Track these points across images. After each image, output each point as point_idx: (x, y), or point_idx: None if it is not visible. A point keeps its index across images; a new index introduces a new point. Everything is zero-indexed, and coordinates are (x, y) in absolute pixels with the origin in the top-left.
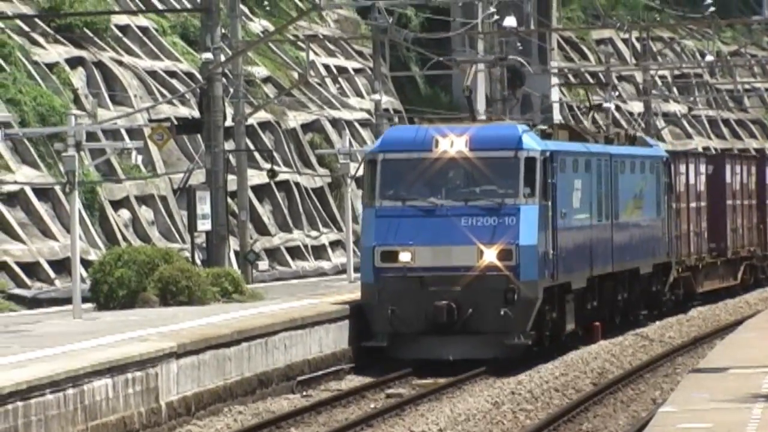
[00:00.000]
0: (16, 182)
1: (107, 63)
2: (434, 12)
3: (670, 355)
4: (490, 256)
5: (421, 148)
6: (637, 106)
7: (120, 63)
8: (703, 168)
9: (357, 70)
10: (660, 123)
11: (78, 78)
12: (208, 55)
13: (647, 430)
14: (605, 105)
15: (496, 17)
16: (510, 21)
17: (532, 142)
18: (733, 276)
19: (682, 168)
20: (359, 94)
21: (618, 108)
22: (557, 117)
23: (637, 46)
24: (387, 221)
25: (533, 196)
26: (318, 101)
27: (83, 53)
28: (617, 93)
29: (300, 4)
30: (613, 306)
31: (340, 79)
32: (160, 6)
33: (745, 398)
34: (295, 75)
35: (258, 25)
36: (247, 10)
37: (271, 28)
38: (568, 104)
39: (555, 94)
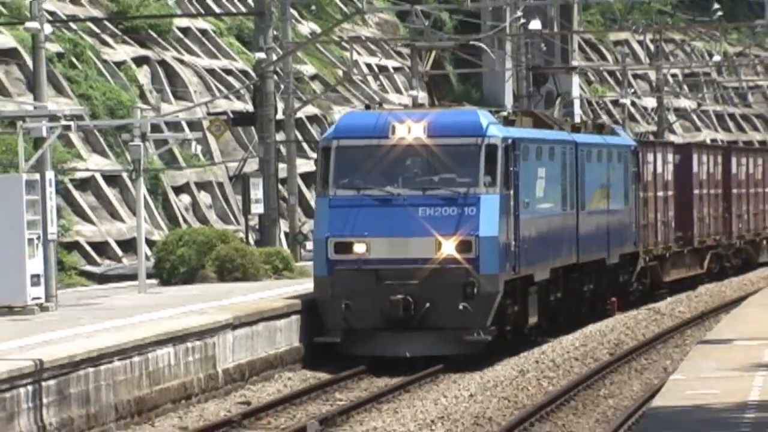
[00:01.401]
0: (87, 169)
1: (170, 62)
2: (466, 15)
3: (680, 327)
4: (449, 248)
5: (377, 135)
6: (650, 102)
7: (181, 62)
8: (670, 157)
9: (396, 69)
10: (672, 117)
11: (143, 75)
12: (261, 55)
13: (659, 396)
14: (621, 100)
15: (522, 21)
16: (535, 24)
17: (494, 129)
18: (699, 265)
19: (650, 157)
20: (398, 91)
21: (633, 103)
22: (578, 112)
23: (651, 47)
24: (341, 211)
25: (494, 185)
26: (360, 97)
27: (148, 53)
28: (633, 90)
29: (344, 8)
30: (579, 297)
31: (380, 77)
32: (217, 10)
33: (748, 367)
34: (340, 73)
35: (306, 27)
36: (296, 14)
37: (318, 30)
38: (587, 100)
39: (576, 91)
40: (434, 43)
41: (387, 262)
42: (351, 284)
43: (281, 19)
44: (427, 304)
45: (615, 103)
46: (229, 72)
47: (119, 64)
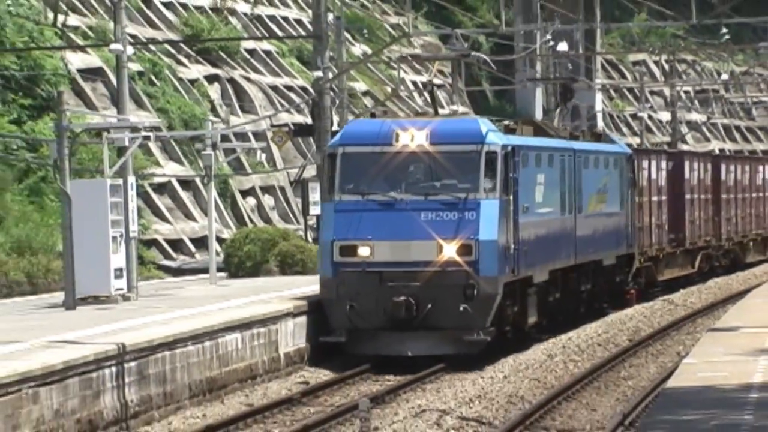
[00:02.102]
0: (164, 175)
1: (238, 79)
2: (501, 38)
3: (692, 317)
4: (450, 251)
5: (381, 142)
6: (665, 116)
7: (248, 79)
8: (664, 164)
9: (438, 86)
10: (684, 129)
11: (214, 91)
12: (319, 73)
13: (673, 377)
14: (639, 114)
15: (551, 43)
16: (562, 46)
17: (494, 137)
18: (691, 264)
19: (645, 164)
20: (440, 105)
21: (650, 117)
22: (600, 124)
23: (666, 66)
24: (346, 215)
25: (494, 190)
26: (407, 111)
27: (218, 71)
28: (649, 104)
29: (392, 31)
30: (577, 297)
31: (424, 93)
32: (280, 33)
33: (753, 352)
34: (388, 89)
35: (358, 48)
36: (350, 37)
37: (369, 51)
38: (609, 113)
39: (598, 105)
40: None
41: (390, 265)
42: (355, 286)
43: (336, 41)
44: (429, 305)
45: (633, 116)
46: (290, 88)
47: (193, 82)
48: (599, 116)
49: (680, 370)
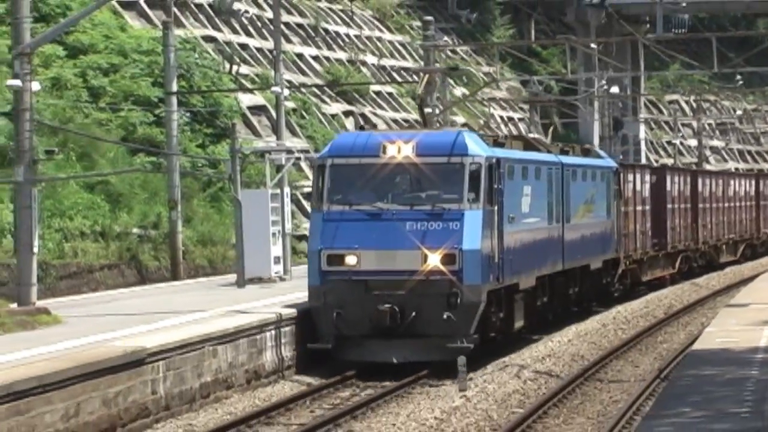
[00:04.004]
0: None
1: (367, 114)
2: (568, 83)
3: (713, 296)
4: (434, 260)
5: (369, 154)
6: (693, 142)
7: (375, 114)
8: (647, 178)
9: (519, 119)
10: (708, 153)
11: (349, 123)
12: (428, 110)
13: (697, 342)
14: (673, 141)
15: (605, 86)
16: (614, 89)
17: (477, 149)
18: (671, 266)
19: (630, 177)
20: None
21: (681, 143)
22: (644, 149)
23: (694, 104)
24: (334, 225)
25: (477, 201)
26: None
27: (353, 108)
28: (681, 134)
29: (484, 77)
30: (565, 300)
31: (509, 125)
32: (399, 79)
33: (759, 323)
34: (481, 122)
35: (458, 90)
36: (452, 82)
37: (467, 92)
38: (650, 140)
39: (642, 134)
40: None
41: (376, 274)
42: (342, 294)
43: (442, 84)
44: (414, 313)
45: (669, 143)
46: (407, 121)
47: (333, 116)
48: (642, 143)
49: (703, 336)
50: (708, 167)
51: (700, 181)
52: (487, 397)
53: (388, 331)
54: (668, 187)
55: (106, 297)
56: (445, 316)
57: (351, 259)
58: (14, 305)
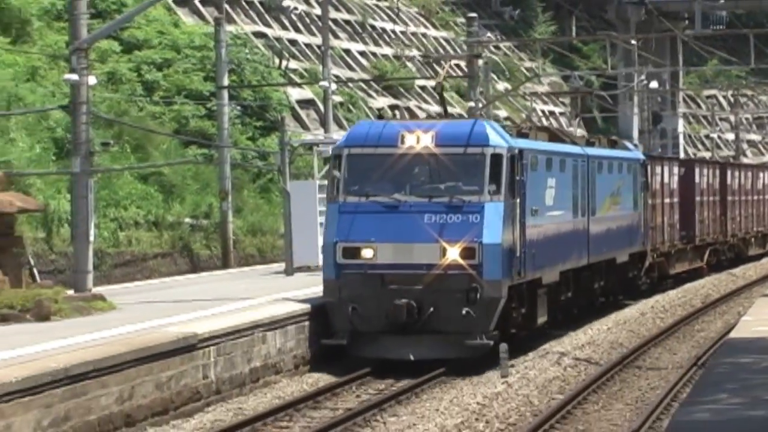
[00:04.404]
0: None
1: (413, 108)
2: (608, 78)
3: (749, 286)
4: (453, 254)
5: (387, 144)
6: (730, 136)
7: (419, 108)
8: (676, 170)
9: (561, 113)
10: (745, 146)
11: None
12: (472, 104)
13: (734, 330)
14: (711, 135)
15: (644, 81)
16: (653, 84)
17: (499, 139)
18: (700, 259)
19: (658, 170)
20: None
21: (719, 137)
22: (682, 143)
23: (731, 99)
24: (350, 217)
25: (498, 193)
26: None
27: (398, 102)
28: (719, 128)
29: (526, 73)
30: (591, 294)
31: (551, 119)
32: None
33: None
34: (523, 116)
35: (501, 85)
36: (495, 77)
37: (509, 87)
38: (688, 134)
39: (680, 128)
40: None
41: (392, 267)
42: (357, 288)
43: (485, 80)
44: (431, 309)
45: (707, 136)
46: (451, 115)
47: (379, 109)
48: (680, 137)
49: (739, 325)
50: (745, 160)
51: (729, 173)
52: (528, 383)
53: (405, 326)
54: (697, 180)
55: (159, 284)
56: (464, 312)
57: (367, 252)
58: (71, 292)
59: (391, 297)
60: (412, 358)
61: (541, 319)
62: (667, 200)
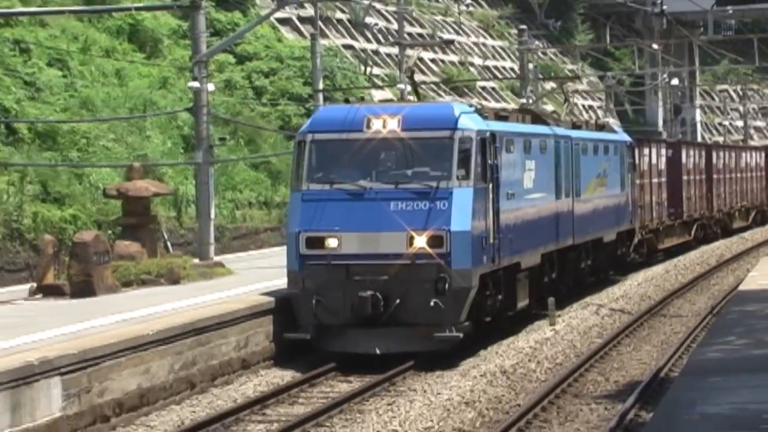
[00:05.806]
0: None
1: (475, 105)
2: (637, 77)
3: (757, 247)
4: (420, 242)
5: (352, 129)
6: (740, 123)
7: (481, 105)
8: (663, 152)
9: (598, 107)
10: (752, 131)
11: None
12: (523, 101)
13: (743, 284)
14: (723, 122)
15: (667, 79)
16: (675, 81)
17: (469, 122)
18: (687, 233)
19: (646, 151)
20: (599, 118)
21: (730, 124)
22: (699, 130)
23: (740, 92)
24: (313, 205)
25: (467, 178)
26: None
27: (463, 99)
28: (730, 117)
29: (568, 73)
30: (578, 273)
31: (589, 111)
32: (500, 76)
33: None
34: (566, 109)
35: (547, 85)
36: (541, 77)
37: (554, 86)
38: (704, 122)
39: (698, 118)
40: (620, 89)
41: (358, 257)
42: (321, 279)
43: (533, 80)
44: (398, 300)
45: (720, 124)
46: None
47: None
48: (698, 125)
49: (747, 279)
50: (752, 143)
51: (714, 154)
52: (571, 330)
53: (371, 319)
54: (684, 160)
55: (269, 253)
56: (432, 303)
57: (332, 242)
58: (197, 260)
59: (356, 288)
60: (378, 352)
61: (522, 303)
62: (655, 180)
